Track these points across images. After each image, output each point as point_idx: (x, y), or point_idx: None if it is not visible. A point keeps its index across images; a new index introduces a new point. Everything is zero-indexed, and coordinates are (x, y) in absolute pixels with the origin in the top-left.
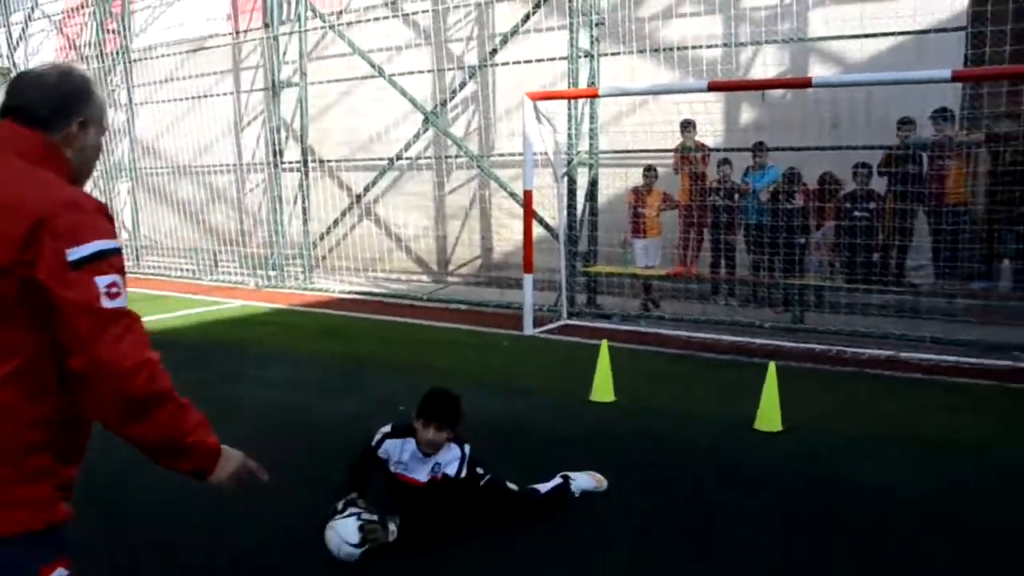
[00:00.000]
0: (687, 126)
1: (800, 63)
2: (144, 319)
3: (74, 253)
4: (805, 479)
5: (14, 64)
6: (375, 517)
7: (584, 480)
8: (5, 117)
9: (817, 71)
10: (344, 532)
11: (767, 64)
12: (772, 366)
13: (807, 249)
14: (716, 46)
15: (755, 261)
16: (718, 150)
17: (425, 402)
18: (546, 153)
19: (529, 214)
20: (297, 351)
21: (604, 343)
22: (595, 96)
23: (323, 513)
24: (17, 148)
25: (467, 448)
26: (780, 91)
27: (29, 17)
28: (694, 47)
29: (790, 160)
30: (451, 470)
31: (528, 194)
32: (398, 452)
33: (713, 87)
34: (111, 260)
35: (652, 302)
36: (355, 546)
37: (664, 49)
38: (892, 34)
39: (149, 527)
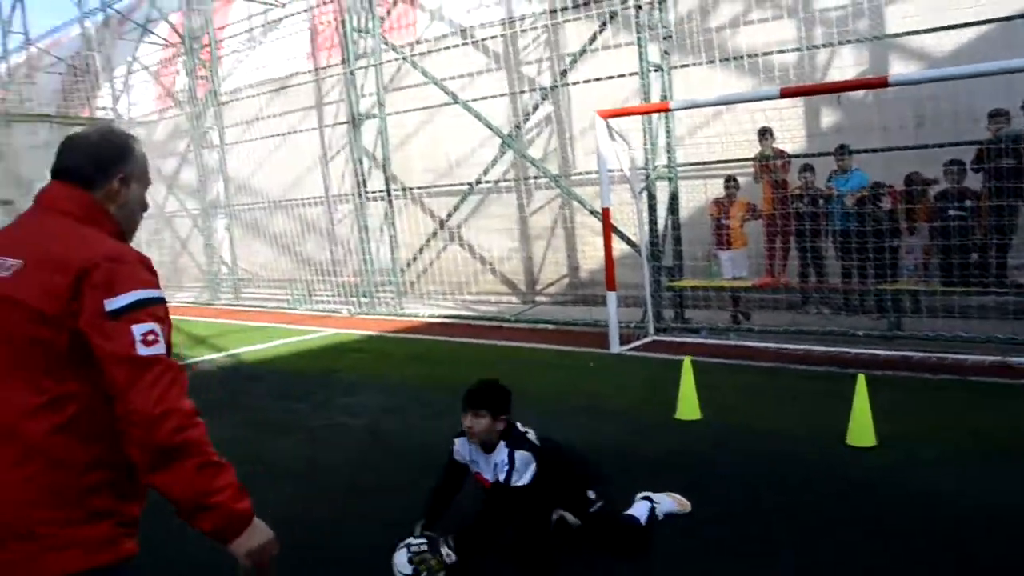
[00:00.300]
0: (765, 134)
1: (879, 62)
2: (240, 350)
3: (112, 303)
4: (899, 497)
5: (118, 115)
6: (423, 546)
7: (668, 503)
8: (55, 179)
9: (897, 69)
10: (398, 564)
11: (844, 65)
12: (862, 378)
13: (899, 253)
14: (789, 50)
15: (845, 267)
16: (798, 156)
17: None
18: (622, 170)
19: (608, 231)
20: (387, 377)
21: (687, 360)
22: (666, 110)
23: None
24: (63, 207)
25: (519, 456)
26: (860, 92)
27: (129, 70)
28: (766, 53)
29: (874, 162)
30: (514, 476)
31: (606, 212)
32: (467, 450)
33: (786, 93)
34: (150, 309)
35: (742, 314)
36: None
37: (736, 58)
38: (975, 24)
39: None
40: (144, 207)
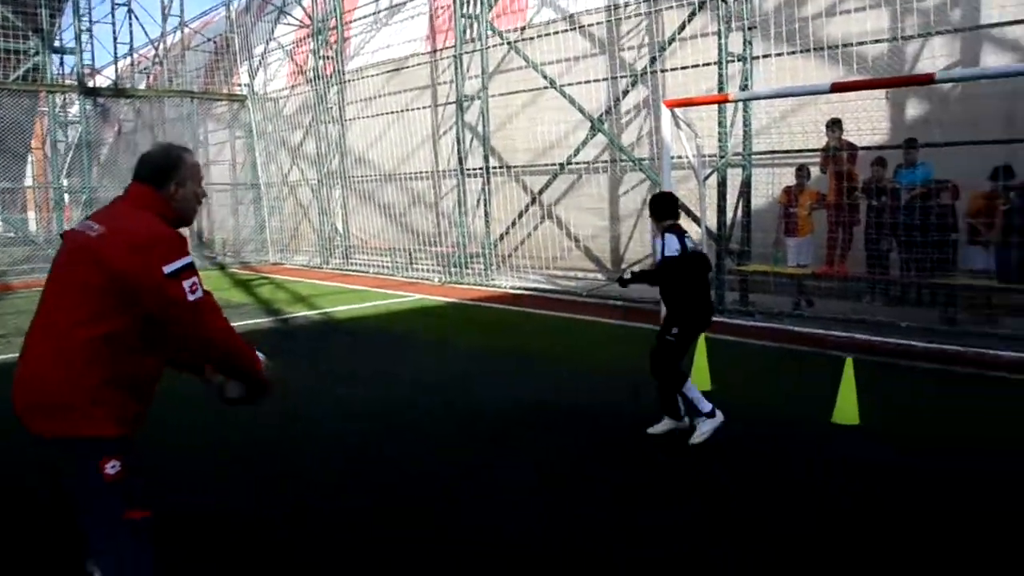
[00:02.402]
0: (832, 126)
1: (972, 53)
2: (334, 309)
3: (168, 268)
4: (886, 472)
5: (253, 90)
6: None
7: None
8: (134, 180)
9: (990, 61)
10: None
11: (935, 56)
12: (849, 361)
13: (956, 247)
14: (879, 40)
15: (904, 260)
16: (866, 148)
17: None
18: (684, 156)
19: None
20: (453, 340)
21: (701, 337)
22: (726, 101)
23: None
24: (136, 199)
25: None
26: (948, 85)
27: (266, 49)
28: (858, 44)
29: (953, 157)
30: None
31: None
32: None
33: (837, 88)
34: (190, 271)
35: (807, 301)
36: None
37: (826, 48)
38: None
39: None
40: (199, 199)
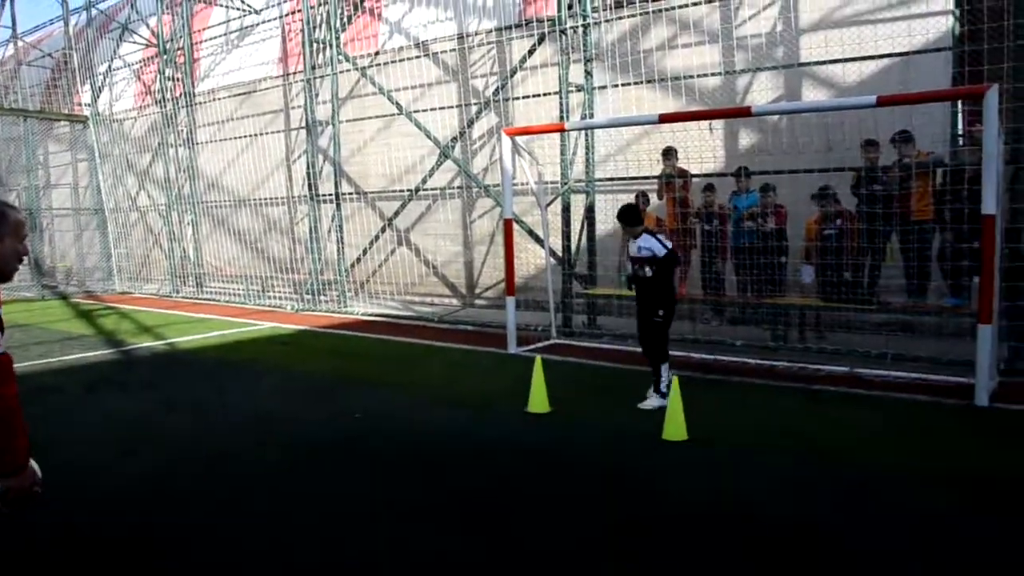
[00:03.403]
0: (668, 154)
1: (794, 87)
2: (178, 339)
3: None
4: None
5: (98, 111)
6: None
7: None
8: None
9: (810, 95)
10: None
11: (763, 89)
12: (676, 380)
13: (785, 269)
14: (713, 74)
15: (740, 281)
16: (699, 176)
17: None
18: (527, 183)
19: (510, 241)
20: (293, 368)
21: (538, 359)
22: (561, 130)
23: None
24: None
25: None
26: (774, 116)
27: (110, 68)
28: (691, 76)
29: (781, 182)
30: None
31: (508, 222)
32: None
33: (664, 119)
34: None
35: None
36: None
37: (666, 79)
38: (876, 57)
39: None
40: (20, 257)
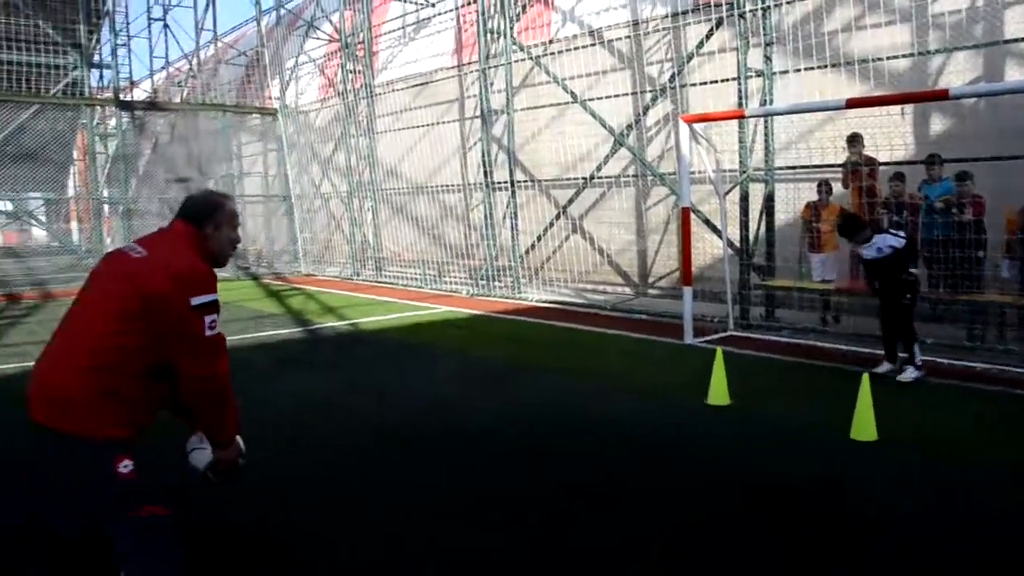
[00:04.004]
0: (853, 141)
1: (995, 67)
2: (360, 320)
3: (196, 300)
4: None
5: (285, 104)
6: None
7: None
8: (178, 218)
9: (1013, 75)
10: None
11: (959, 70)
12: (866, 377)
13: (983, 264)
14: (901, 56)
15: (932, 276)
16: (887, 164)
17: None
18: (703, 171)
19: (687, 229)
20: (469, 352)
21: (719, 350)
22: (741, 117)
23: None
24: (179, 234)
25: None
26: (972, 100)
27: (296, 63)
28: (878, 59)
29: (979, 171)
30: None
31: (685, 211)
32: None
33: (852, 104)
34: (213, 307)
35: (833, 317)
36: None
37: (852, 63)
38: None
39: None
40: (233, 245)
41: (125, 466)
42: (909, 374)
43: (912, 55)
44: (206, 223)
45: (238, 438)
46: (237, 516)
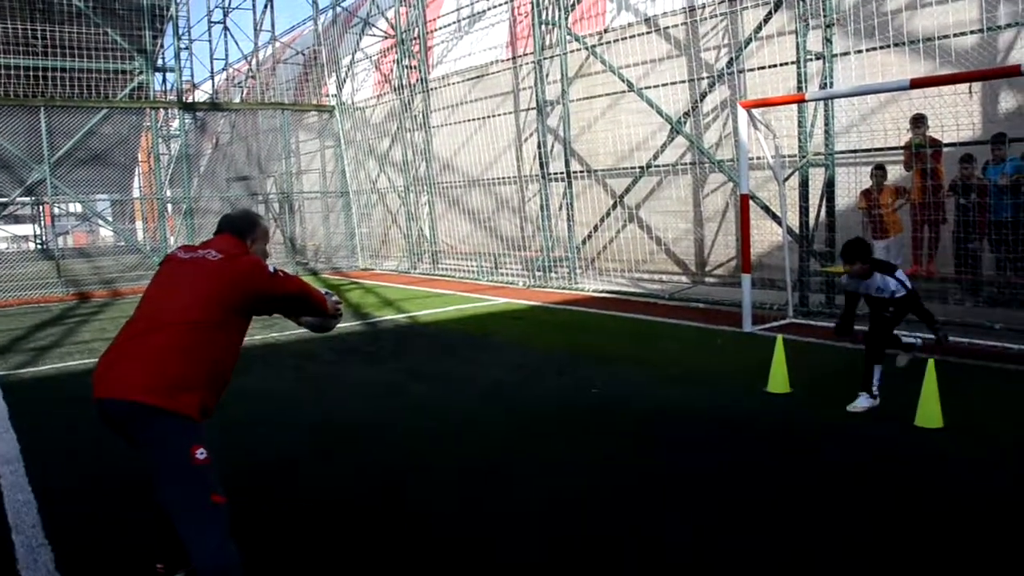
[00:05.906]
0: (917, 122)
1: None
2: (418, 312)
3: (269, 272)
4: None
5: (341, 100)
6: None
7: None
8: (220, 232)
9: None
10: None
11: None
12: (931, 363)
13: None
14: (967, 33)
15: (999, 259)
16: (951, 145)
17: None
18: (763, 157)
19: (746, 216)
20: (529, 342)
21: (779, 337)
22: (802, 101)
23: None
24: (232, 242)
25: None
26: None
27: (352, 60)
28: (944, 37)
29: None
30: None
31: (744, 198)
32: (853, 283)
33: (916, 84)
34: (274, 270)
35: None
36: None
37: (918, 42)
38: None
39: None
40: (265, 257)
41: (201, 453)
42: (861, 402)
43: (981, 31)
44: (247, 236)
45: (329, 295)
46: (341, 497)
